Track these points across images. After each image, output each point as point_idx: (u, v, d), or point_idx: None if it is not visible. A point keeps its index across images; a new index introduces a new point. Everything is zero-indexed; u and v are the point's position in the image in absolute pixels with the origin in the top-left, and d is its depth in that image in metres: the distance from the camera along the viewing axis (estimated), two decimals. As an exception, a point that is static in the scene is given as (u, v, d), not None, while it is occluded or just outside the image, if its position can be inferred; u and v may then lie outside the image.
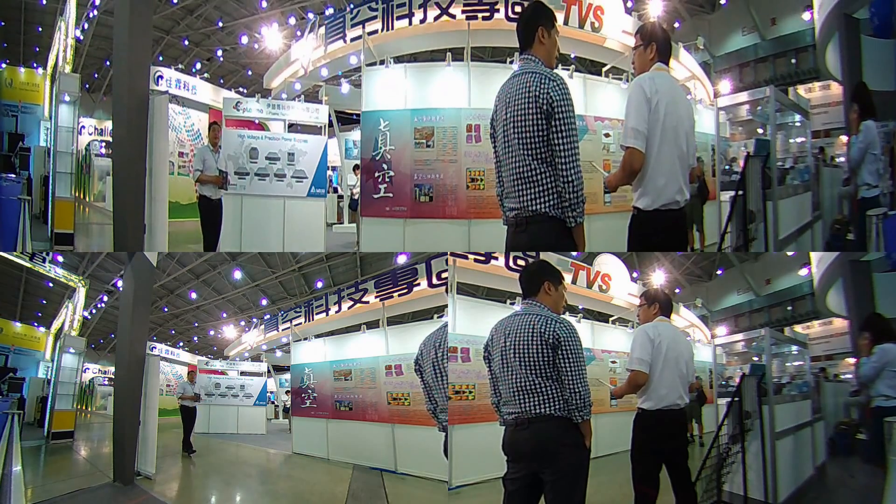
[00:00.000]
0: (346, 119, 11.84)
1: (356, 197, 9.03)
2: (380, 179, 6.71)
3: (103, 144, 13.14)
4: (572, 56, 8.94)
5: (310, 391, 8.90)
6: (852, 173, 4.45)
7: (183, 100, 11.11)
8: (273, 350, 15.29)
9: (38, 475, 6.89)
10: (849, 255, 6.23)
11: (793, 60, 14.68)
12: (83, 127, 12.99)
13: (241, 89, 19.23)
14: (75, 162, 8.68)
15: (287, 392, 14.07)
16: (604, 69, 8.30)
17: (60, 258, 12.79)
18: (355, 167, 9.70)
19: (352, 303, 8.66)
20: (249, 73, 20.91)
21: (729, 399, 4.93)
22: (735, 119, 6.89)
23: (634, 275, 9.88)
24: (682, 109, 2.82)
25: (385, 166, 6.71)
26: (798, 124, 6.83)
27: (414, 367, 3.28)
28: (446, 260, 6.71)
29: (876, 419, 3.98)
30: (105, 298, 18.46)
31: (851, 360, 9.05)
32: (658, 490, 3.15)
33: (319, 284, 20.10)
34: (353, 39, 8.24)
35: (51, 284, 15.22)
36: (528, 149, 2.51)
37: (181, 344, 25.27)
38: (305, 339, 9.58)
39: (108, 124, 12.57)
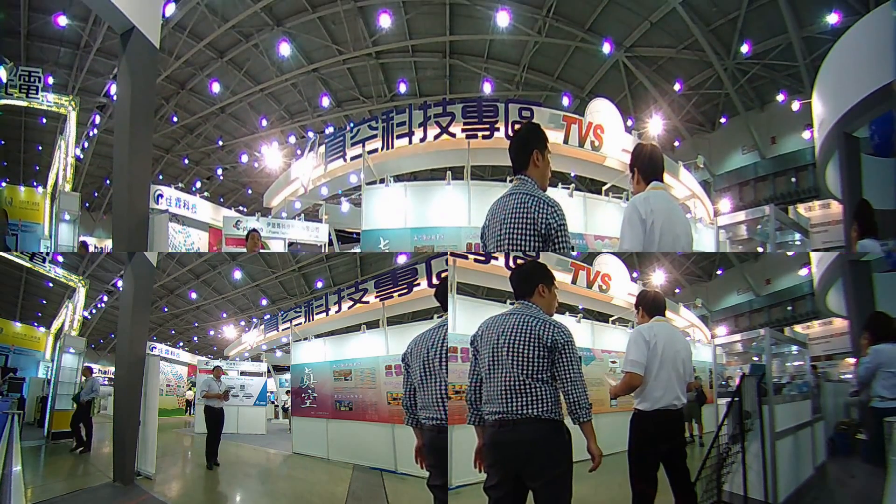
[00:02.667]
0: (346, 237, 11.97)
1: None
2: None
3: (106, 380, 13.55)
4: (572, 174, 9.08)
5: (310, 391, 8.90)
6: (862, 388, 4.37)
7: (183, 218, 11.23)
8: (273, 350, 15.29)
9: (38, 475, 6.89)
10: (849, 255, 6.23)
11: (793, 179, 14.91)
12: (92, 368, 13.66)
13: (241, 208, 19.50)
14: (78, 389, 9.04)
15: (287, 392, 14.08)
16: (604, 188, 8.42)
17: (60, 258, 12.80)
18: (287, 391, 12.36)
19: (352, 303, 8.65)
20: (249, 191, 21.31)
21: (729, 399, 4.92)
22: (735, 238, 6.97)
23: (634, 275, 9.89)
24: (679, 345, 3.31)
25: None
26: (798, 243, 6.87)
27: (402, 363, 3.24)
28: (446, 260, 6.72)
29: (875, 419, 3.98)
30: (105, 298, 18.44)
31: (851, 360, 9.05)
32: (656, 489, 3.15)
33: (319, 284, 20.13)
34: (353, 158, 8.36)
35: (51, 284, 15.21)
36: (528, 367, 2.61)
37: (181, 344, 25.28)
38: (305, 339, 9.58)
39: (108, 243, 12.76)
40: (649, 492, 3.15)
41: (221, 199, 20.24)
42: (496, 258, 7.05)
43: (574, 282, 8.22)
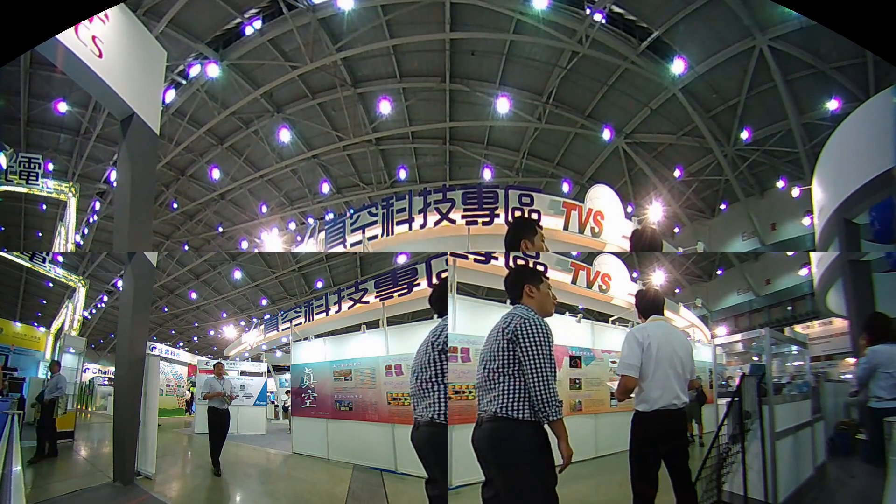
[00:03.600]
0: (279, 368, 15.15)
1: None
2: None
3: (106, 380, 13.70)
4: (580, 308, 9.29)
5: (310, 391, 8.90)
6: (860, 388, 4.38)
7: (170, 360, 14.59)
8: (273, 350, 15.29)
9: (38, 475, 6.89)
10: (849, 255, 6.24)
11: (789, 308, 14.95)
12: (87, 368, 13.67)
13: (209, 356, 20.94)
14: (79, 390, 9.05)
15: (287, 392, 14.07)
16: (610, 319, 8.59)
17: (60, 258, 12.81)
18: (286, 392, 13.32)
19: (352, 303, 8.66)
20: (215, 348, 23.27)
21: (729, 399, 4.92)
22: (731, 352, 7.04)
23: (634, 275, 9.89)
24: (676, 344, 3.35)
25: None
26: (795, 352, 6.91)
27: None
28: (446, 260, 6.72)
29: (873, 419, 3.99)
30: (105, 298, 18.47)
31: (851, 360, 9.04)
32: (657, 489, 3.15)
33: (319, 284, 20.13)
34: (353, 244, 8.47)
35: (51, 284, 15.21)
36: (493, 363, 2.61)
37: (181, 344, 25.28)
38: (305, 339, 9.58)
39: (111, 368, 13.34)
40: (650, 492, 3.15)
41: (197, 352, 22.30)
42: (496, 258, 7.05)
43: (574, 282, 8.22)
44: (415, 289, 7.48)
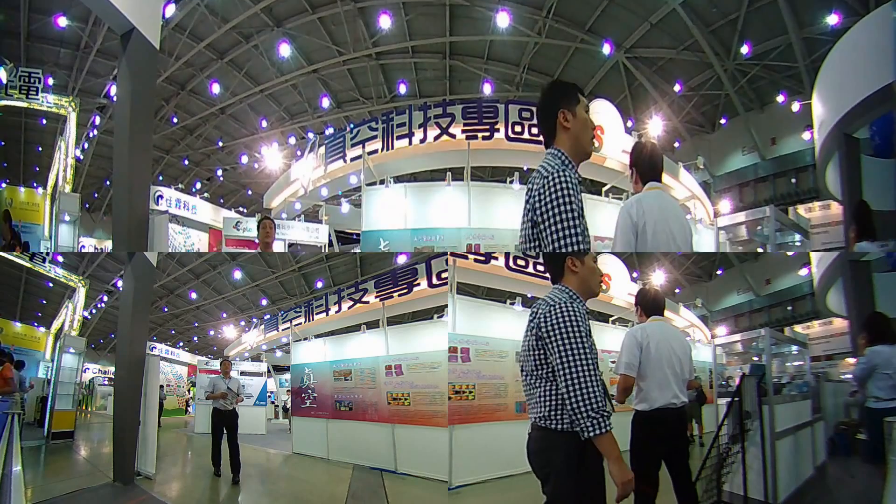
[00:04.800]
0: (346, 239, 11.90)
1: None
2: None
3: (106, 380, 13.45)
4: None
5: (310, 391, 8.90)
6: (859, 388, 4.39)
7: (183, 219, 11.26)
8: (273, 350, 15.30)
9: (38, 475, 6.89)
10: (849, 255, 6.24)
11: (793, 180, 14.95)
12: (87, 368, 13.35)
13: (241, 209, 19.56)
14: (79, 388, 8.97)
15: (287, 392, 14.08)
16: (604, 189, 8.40)
17: (60, 258, 12.80)
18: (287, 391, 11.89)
19: (352, 303, 8.65)
20: (249, 192, 21.26)
21: (729, 399, 4.92)
22: (735, 239, 6.95)
23: (634, 275, 9.89)
24: (674, 344, 3.28)
25: None
26: (798, 244, 6.87)
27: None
28: (446, 260, 6.72)
29: (873, 420, 3.99)
30: (105, 298, 18.46)
31: (851, 360, 9.05)
32: (657, 489, 3.15)
33: (319, 284, 20.13)
34: (353, 159, 8.35)
35: (51, 284, 15.23)
36: (526, 364, 2.20)
37: (181, 344, 25.29)
38: (305, 339, 9.58)
39: (108, 244, 12.74)
40: (650, 491, 3.15)
41: (221, 200, 20.28)
42: (496, 258, 7.05)
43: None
44: (415, 289, 7.48)
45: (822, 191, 8.04)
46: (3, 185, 12.65)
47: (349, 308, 8.73)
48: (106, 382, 19.56)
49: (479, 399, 6.46)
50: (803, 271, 15.38)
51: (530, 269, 7.50)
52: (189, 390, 19.36)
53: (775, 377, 5.47)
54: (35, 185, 12.99)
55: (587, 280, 2.20)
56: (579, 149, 2.16)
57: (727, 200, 14.63)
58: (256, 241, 8.73)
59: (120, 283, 13.46)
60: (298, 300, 18.60)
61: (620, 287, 8.91)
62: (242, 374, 14.31)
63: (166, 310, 23.34)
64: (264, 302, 22.66)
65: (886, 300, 6.00)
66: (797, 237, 6.85)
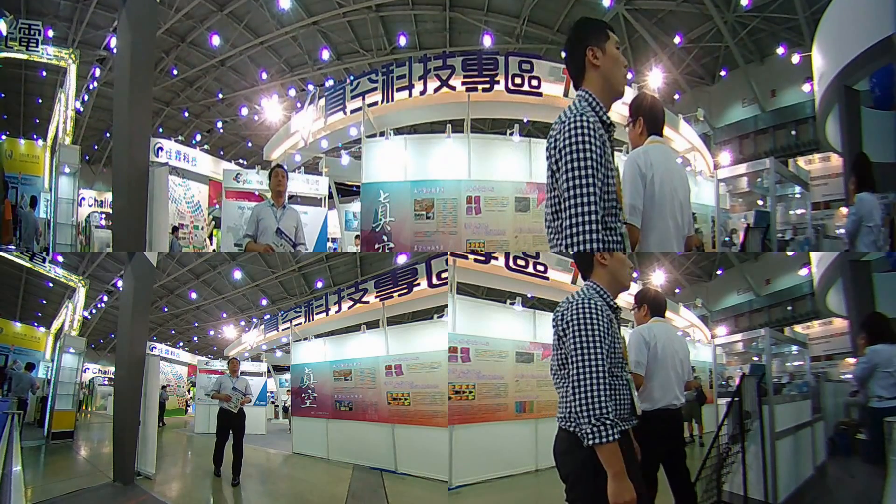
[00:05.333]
0: (345, 191, 11.81)
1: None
2: (380, 251, 6.76)
3: (103, 217, 13.24)
4: None
5: (310, 391, 8.90)
6: (851, 245, 4.41)
7: (183, 171, 11.24)
8: (273, 350, 15.29)
9: (38, 475, 6.89)
10: (849, 255, 6.24)
11: (793, 132, 14.85)
12: (83, 199, 13.10)
13: (241, 161, 19.23)
14: (75, 233, 8.74)
15: (287, 392, 14.07)
16: None
17: (60, 258, 12.80)
18: (356, 238, 9.69)
19: (352, 303, 8.65)
20: (250, 144, 21.04)
21: (729, 399, 4.93)
22: (735, 191, 6.94)
23: (634, 275, 9.89)
24: (677, 345, 3.17)
25: (385, 238, 6.78)
26: (798, 196, 6.87)
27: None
28: (446, 260, 6.72)
29: (873, 419, 3.99)
30: (105, 298, 18.46)
31: (851, 360, 9.06)
32: (656, 490, 3.15)
33: (319, 284, 20.12)
34: (353, 111, 8.30)
35: (51, 284, 15.23)
36: (553, 363, 2.10)
37: (181, 344, 25.29)
38: (305, 339, 9.58)
39: (108, 196, 12.65)
40: (648, 492, 3.15)
41: (221, 153, 20.04)
42: (496, 258, 7.05)
43: (574, 282, 8.21)
44: (415, 289, 7.48)
45: (821, 143, 8.01)
46: (3, 137, 12.55)
47: (349, 308, 8.73)
48: (106, 382, 19.57)
49: (479, 399, 6.46)
50: (803, 271, 15.36)
51: (530, 269, 7.50)
52: (189, 390, 19.36)
53: (775, 377, 5.48)
54: (35, 137, 12.93)
55: (617, 273, 2.09)
56: (610, 88, 2.03)
57: (727, 152, 14.54)
58: (256, 193, 8.58)
59: (120, 283, 13.45)
60: (298, 300, 18.60)
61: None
62: (242, 374, 14.30)
63: (166, 310, 23.33)
64: (264, 302, 22.65)
65: (886, 300, 6.00)
66: (797, 189, 6.84)
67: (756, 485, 4.59)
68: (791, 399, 5.81)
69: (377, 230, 6.78)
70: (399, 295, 7.73)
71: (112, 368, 17.66)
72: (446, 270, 6.74)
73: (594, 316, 1.92)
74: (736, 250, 4.97)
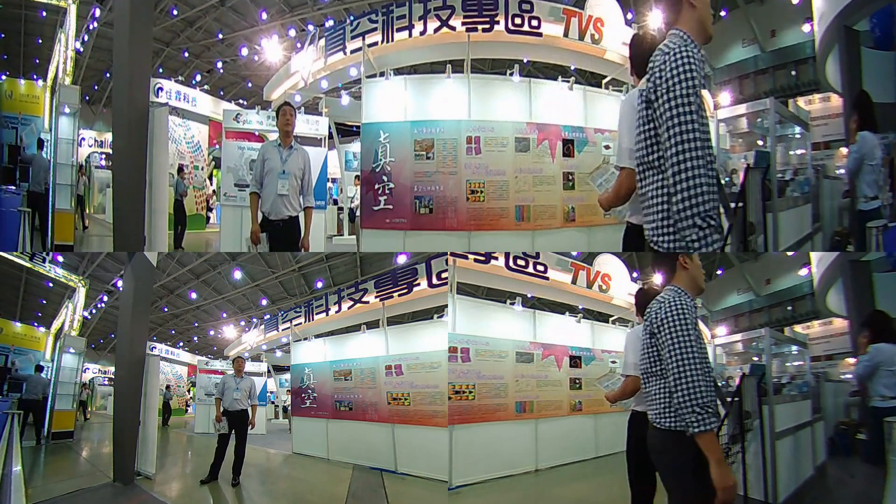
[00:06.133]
0: (345, 131, 11.75)
1: (356, 209, 9.03)
2: (380, 191, 6.73)
3: (103, 157, 13.13)
4: (572, 68, 8.95)
5: (310, 391, 8.90)
6: (851, 185, 4.44)
7: (183, 111, 11.25)
8: (273, 350, 15.29)
9: (38, 475, 6.89)
10: (849, 256, 6.24)
11: (793, 72, 14.73)
12: (83, 139, 12.98)
13: (241, 101, 19.31)
14: (75, 173, 8.66)
15: (287, 392, 14.07)
16: (604, 81, 8.31)
17: (60, 258, 12.81)
18: (356, 178, 9.71)
19: (352, 303, 8.66)
20: (249, 84, 20.94)
21: (729, 399, 4.93)
22: (735, 131, 6.90)
23: (634, 275, 9.89)
24: None
25: (385, 178, 6.72)
26: (798, 136, 6.85)
27: None
28: (446, 260, 6.72)
29: (875, 419, 3.98)
30: (105, 298, 18.47)
31: (852, 360, 9.06)
32: (655, 488, 3.15)
33: (319, 284, 20.11)
34: (353, 51, 8.25)
35: (51, 284, 15.22)
36: (642, 365, 2.25)
37: (181, 344, 25.30)
38: (305, 339, 9.58)
39: (108, 136, 12.59)
40: (648, 490, 3.15)
41: (221, 93, 19.75)
42: (496, 258, 7.05)
43: (574, 282, 8.22)
44: (415, 289, 7.48)
45: (821, 83, 7.99)
46: (3, 77, 12.46)
47: (349, 308, 8.73)
48: (106, 382, 19.57)
49: (479, 399, 6.46)
50: (803, 271, 15.35)
51: (530, 269, 7.50)
52: (189, 390, 19.36)
53: (775, 377, 5.47)
54: (35, 77, 12.86)
55: (696, 276, 2.21)
56: (703, 30, 2.07)
57: (727, 92, 14.50)
58: (256, 133, 8.44)
59: (120, 283, 13.45)
60: (298, 300, 18.60)
61: (620, 287, 8.91)
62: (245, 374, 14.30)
63: (166, 310, 23.32)
64: (264, 302, 22.64)
65: (886, 300, 6.00)
66: (797, 129, 6.82)
67: (756, 485, 4.59)
68: (791, 399, 5.81)
69: (377, 170, 6.72)
70: (399, 295, 7.73)
71: (112, 368, 17.66)
72: (446, 270, 6.75)
73: (688, 313, 2.03)
74: (735, 191, 4.88)
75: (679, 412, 1.94)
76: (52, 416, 9.95)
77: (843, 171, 6.40)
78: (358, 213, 7.67)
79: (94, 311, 18.21)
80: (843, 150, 6.76)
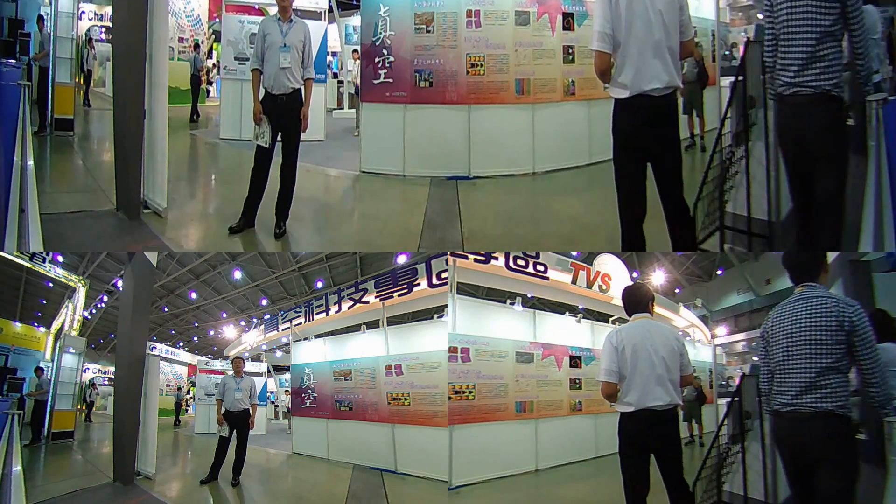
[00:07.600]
0: (345, 4, 11.44)
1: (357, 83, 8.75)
2: (380, 65, 6.57)
3: (103, 30, 12.94)
4: (580, 308, 9.37)
5: (310, 391, 8.90)
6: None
7: (169, 360, 11.12)
8: (273, 350, 15.31)
9: (38, 475, 6.89)
10: (848, 255, 6.22)
11: None
12: (83, 13, 12.74)
13: (209, 356, 19.14)
14: (75, 48, 8.58)
15: (287, 392, 14.07)
16: (610, 319, 9.06)
17: (60, 258, 12.81)
18: (353, 52, 9.64)
19: (352, 303, 8.66)
20: (215, 348, 20.96)
21: (729, 399, 4.92)
22: (735, 5, 6.67)
23: (634, 275, 9.90)
24: (657, 343, 3.17)
25: (385, 52, 6.57)
26: None
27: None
28: (446, 260, 6.72)
29: (876, 419, 3.98)
30: (105, 298, 18.48)
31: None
32: (648, 488, 3.13)
33: (319, 284, 20.12)
34: None
35: (51, 284, 15.22)
36: (826, 357, 2.52)
37: (181, 344, 25.32)
38: (305, 339, 9.58)
39: (108, 10, 12.36)
40: (642, 490, 3.14)
41: None
42: (496, 258, 7.04)
43: (574, 282, 8.21)
44: (415, 289, 7.48)
45: None
46: None
47: (349, 308, 8.73)
48: (106, 382, 19.57)
49: (479, 399, 6.46)
50: (803, 271, 15.38)
51: (530, 269, 7.50)
52: (189, 390, 19.35)
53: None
54: (37, 325, 13.15)
55: (827, 282, 2.66)
56: None
57: (723, 327, 15.64)
58: (256, 6, 8.23)
59: (120, 283, 13.46)
60: (298, 300, 18.61)
61: (620, 287, 8.91)
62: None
63: (166, 310, 23.35)
64: (264, 302, 22.66)
65: (886, 300, 5.98)
66: None
67: (756, 485, 4.58)
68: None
69: (377, 44, 6.59)
70: (399, 295, 7.73)
71: (112, 368, 17.64)
72: (446, 270, 6.74)
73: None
74: (736, 64, 4.70)
75: (879, 400, 2.48)
76: (52, 416, 9.95)
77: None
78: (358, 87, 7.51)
79: (94, 311, 18.22)
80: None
